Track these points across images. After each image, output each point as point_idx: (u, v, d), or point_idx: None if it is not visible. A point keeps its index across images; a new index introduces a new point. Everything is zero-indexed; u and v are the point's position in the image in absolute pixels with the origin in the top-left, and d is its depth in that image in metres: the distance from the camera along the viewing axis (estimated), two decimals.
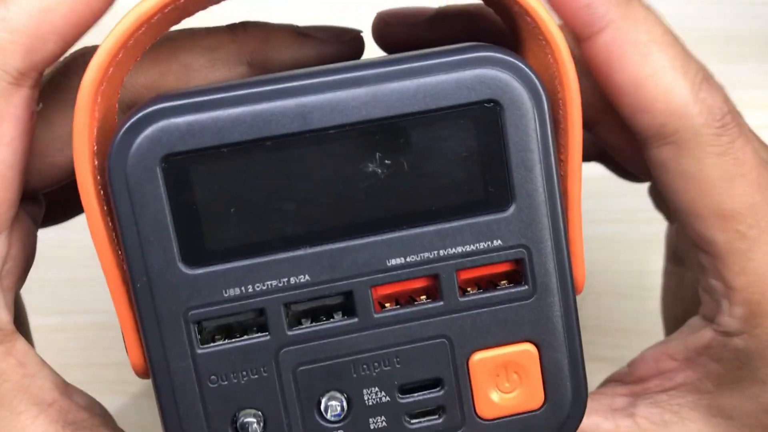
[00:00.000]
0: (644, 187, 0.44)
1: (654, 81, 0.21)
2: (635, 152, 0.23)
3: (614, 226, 0.40)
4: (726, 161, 0.21)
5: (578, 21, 0.21)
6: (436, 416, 0.19)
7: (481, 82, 0.18)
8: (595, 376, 0.42)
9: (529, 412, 0.20)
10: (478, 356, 0.19)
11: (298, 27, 0.23)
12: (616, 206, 0.42)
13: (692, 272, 0.24)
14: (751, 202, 0.22)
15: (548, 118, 0.19)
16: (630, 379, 0.25)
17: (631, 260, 0.42)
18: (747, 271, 0.22)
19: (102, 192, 0.18)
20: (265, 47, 0.22)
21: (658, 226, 0.44)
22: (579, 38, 0.21)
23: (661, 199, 0.25)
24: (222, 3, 0.21)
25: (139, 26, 0.18)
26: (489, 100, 0.18)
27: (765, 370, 0.23)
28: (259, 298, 0.18)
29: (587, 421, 0.23)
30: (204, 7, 0.20)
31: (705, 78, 0.22)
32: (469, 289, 0.19)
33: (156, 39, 0.19)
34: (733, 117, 0.22)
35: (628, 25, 0.21)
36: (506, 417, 0.20)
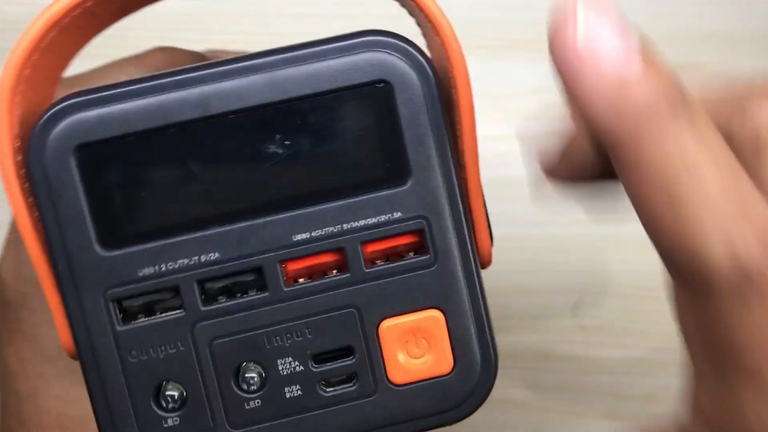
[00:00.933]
0: None
1: (692, 234, 0.18)
2: None
3: (614, 226, 0.40)
4: (750, 313, 0.18)
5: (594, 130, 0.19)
6: (350, 383, 0.20)
7: (371, 64, 0.19)
8: (596, 375, 0.42)
9: (439, 376, 0.20)
10: (386, 324, 0.20)
11: (201, 54, 0.26)
12: (617, 206, 0.42)
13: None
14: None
15: (437, 96, 0.20)
16: None
17: (631, 260, 0.42)
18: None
19: (26, 183, 0.19)
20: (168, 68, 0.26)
21: None
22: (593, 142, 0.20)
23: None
24: (150, 6, 0.22)
25: (47, 29, 0.19)
26: (380, 81, 0.19)
27: None
28: (172, 276, 0.19)
29: None
30: (120, 16, 0.21)
31: (747, 222, 0.18)
32: (378, 258, 0.20)
33: (81, 43, 0.21)
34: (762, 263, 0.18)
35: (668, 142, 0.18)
36: (418, 382, 0.20)
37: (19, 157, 0.19)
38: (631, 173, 0.17)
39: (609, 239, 0.42)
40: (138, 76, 0.23)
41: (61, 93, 0.25)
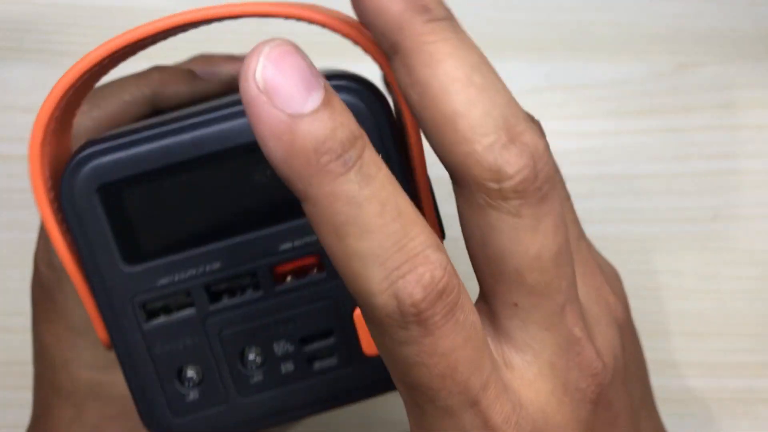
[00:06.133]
0: (644, 187, 0.44)
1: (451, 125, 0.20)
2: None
3: (614, 226, 0.40)
4: (506, 226, 0.20)
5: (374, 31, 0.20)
6: (332, 357, 0.25)
7: None
8: None
9: None
10: (359, 311, 0.24)
11: (190, 70, 0.30)
12: (616, 206, 0.42)
13: None
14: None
15: (387, 126, 0.24)
16: None
17: (631, 260, 0.42)
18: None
19: (59, 215, 0.24)
20: (163, 88, 0.30)
21: (658, 226, 0.44)
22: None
23: None
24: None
25: (70, 87, 0.22)
26: None
27: None
28: (184, 284, 0.24)
29: None
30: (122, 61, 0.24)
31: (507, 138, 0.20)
32: None
33: (91, 88, 0.24)
34: (527, 186, 0.20)
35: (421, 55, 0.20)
36: None
37: (52, 194, 0.23)
38: (306, 209, 0.19)
39: (608, 239, 0.42)
40: (138, 93, 0.29)
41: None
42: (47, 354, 0.30)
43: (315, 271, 0.25)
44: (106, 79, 0.27)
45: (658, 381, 0.42)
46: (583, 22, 0.42)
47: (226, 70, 0.31)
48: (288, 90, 0.18)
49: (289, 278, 0.25)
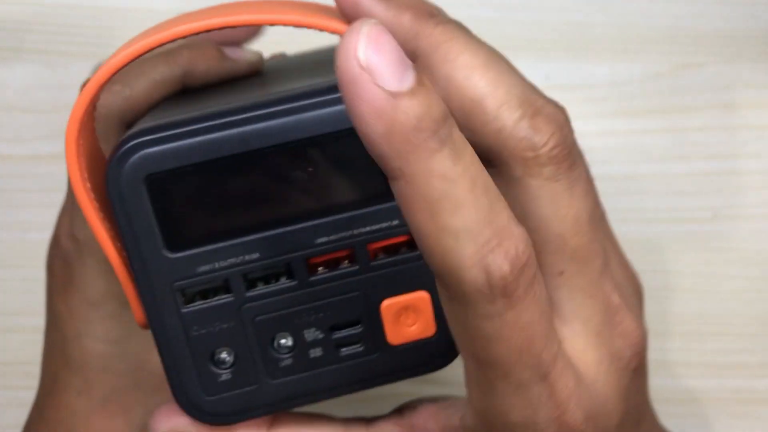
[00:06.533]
0: (644, 187, 0.44)
1: (480, 106, 0.22)
2: None
3: (614, 226, 0.40)
4: (546, 193, 0.22)
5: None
6: (359, 344, 0.26)
7: None
8: None
9: (426, 338, 0.26)
10: (386, 303, 0.26)
11: (219, 49, 0.30)
12: (616, 206, 0.42)
13: None
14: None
15: None
16: (403, 424, 0.26)
17: (631, 260, 0.42)
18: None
19: (98, 201, 0.25)
20: (193, 66, 0.30)
21: (658, 226, 0.44)
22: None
23: None
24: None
25: (106, 80, 0.23)
26: None
27: None
28: (223, 272, 0.25)
29: None
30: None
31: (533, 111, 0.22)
32: (379, 254, 0.26)
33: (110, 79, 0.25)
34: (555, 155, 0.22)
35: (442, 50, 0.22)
36: (409, 342, 0.26)
37: (89, 185, 0.24)
38: (399, 187, 0.20)
39: None
40: (169, 72, 0.30)
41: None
42: (60, 325, 0.30)
43: (346, 263, 0.26)
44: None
45: (658, 381, 0.42)
46: (583, 22, 0.42)
47: (252, 51, 0.31)
48: (387, 68, 0.18)
49: (321, 269, 0.26)
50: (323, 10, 0.24)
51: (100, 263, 0.30)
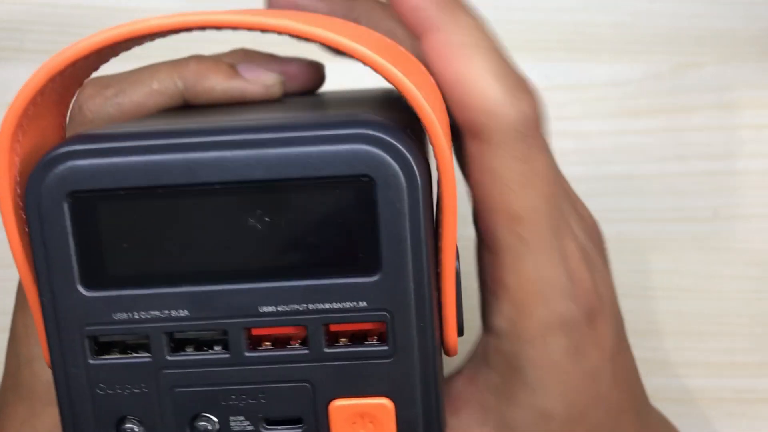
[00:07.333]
0: (644, 187, 0.44)
1: (473, 81, 0.23)
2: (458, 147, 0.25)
3: (614, 226, 0.40)
4: (525, 167, 0.23)
5: (410, 21, 0.24)
6: None
7: (356, 158, 0.20)
8: None
9: None
10: (337, 403, 0.21)
11: (231, 66, 0.27)
12: (616, 206, 0.42)
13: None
14: (536, 209, 0.23)
15: (420, 196, 0.20)
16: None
17: (631, 260, 0.42)
18: (519, 272, 0.24)
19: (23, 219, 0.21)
20: (198, 80, 0.27)
21: (658, 226, 0.44)
22: (415, 36, 0.24)
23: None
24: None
25: (48, 79, 0.20)
26: (364, 175, 0.20)
27: (532, 374, 0.24)
28: (143, 325, 0.21)
29: None
30: (112, 57, 0.23)
31: (520, 86, 0.24)
32: (339, 339, 0.21)
33: (81, 83, 0.22)
34: (538, 127, 0.24)
35: (454, 29, 0.24)
36: None
37: (18, 191, 0.21)
38: (432, 41, 0.23)
39: (609, 240, 0.42)
40: (170, 83, 0.26)
41: (93, 93, 0.26)
42: (15, 344, 0.28)
43: (297, 343, 0.21)
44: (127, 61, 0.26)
45: (658, 381, 0.42)
46: (583, 22, 0.42)
47: (271, 73, 0.28)
48: None
49: (263, 345, 0.21)
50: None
51: None
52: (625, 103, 0.42)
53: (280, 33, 0.20)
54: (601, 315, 0.25)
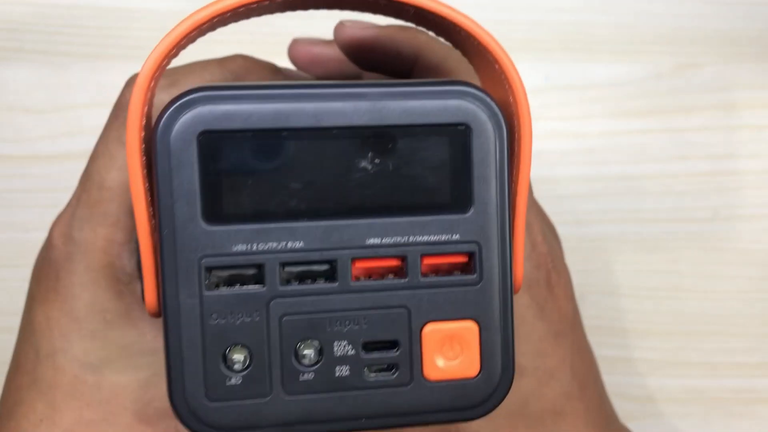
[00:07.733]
0: (644, 187, 0.44)
1: None
2: None
3: (614, 226, 0.40)
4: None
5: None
6: (390, 372, 0.24)
7: (457, 109, 0.23)
8: None
9: (466, 378, 0.24)
10: (429, 327, 0.24)
11: (276, 66, 0.30)
12: (615, 206, 0.42)
13: None
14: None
15: (505, 145, 0.23)
16: None
17: (631, 260, 0.42)
18: None
19: (144, 159, 0.23)
20: (245, 75, 0.29)
21: (658, 226, 0.44)
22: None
23: None
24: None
25: (191, 30, 0.23)
26: (461, 123, 0.23)
27: None
28: (260, 255, 0.23)
29: None
30: (222, 25, 0.24)
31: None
32: (430, 273, 0.24)
33: (177, 54, 0.24)
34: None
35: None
36: (447, 380, 0.24)
37: (142, 134, 0.22)
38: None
39: (609, 239, 0.42)
40: (220, 76, 0.29)
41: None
42: (34, 338, 0.27)
43: (395, 275, 0.24)
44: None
45: (657, 381, 0.42)
46: (583, 23, 0.42)
47: (308, 76, 0.31)
48: None
49: (366, 275, 0.24)
50: None
51: (89, 272, 0.27)
52: (625, 103, 0.42)
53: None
54: (558, 284, 0.28)
